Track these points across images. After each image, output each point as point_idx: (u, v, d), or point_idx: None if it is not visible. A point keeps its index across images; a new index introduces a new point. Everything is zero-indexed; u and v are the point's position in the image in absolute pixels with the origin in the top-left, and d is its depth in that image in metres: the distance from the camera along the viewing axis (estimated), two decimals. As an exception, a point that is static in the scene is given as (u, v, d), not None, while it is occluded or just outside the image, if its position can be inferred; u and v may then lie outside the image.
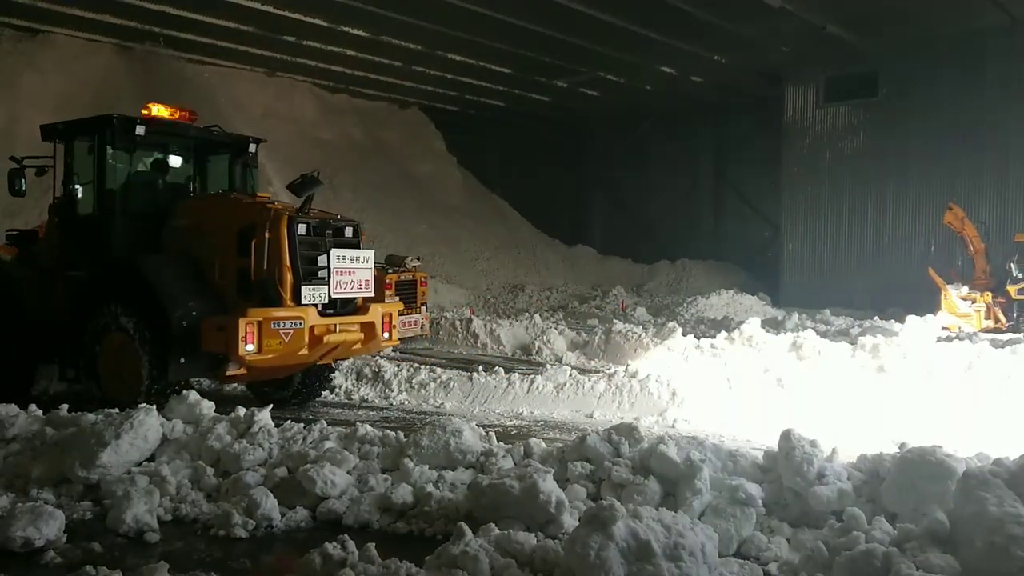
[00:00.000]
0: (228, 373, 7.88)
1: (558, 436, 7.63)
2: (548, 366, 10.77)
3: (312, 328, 7.87)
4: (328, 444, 5.93)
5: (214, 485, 5.54)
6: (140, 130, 8.69)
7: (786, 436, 5.09)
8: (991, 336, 14.10)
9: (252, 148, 9.54)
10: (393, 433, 6.21)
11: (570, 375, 9.75)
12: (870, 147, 23.06)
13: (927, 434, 6.69)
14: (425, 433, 5.91)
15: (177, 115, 9.23)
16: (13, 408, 6.73)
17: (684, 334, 12.63)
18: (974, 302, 16.84)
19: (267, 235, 7.77)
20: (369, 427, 6.29)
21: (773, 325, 16.55)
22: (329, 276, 8.06)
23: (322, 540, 4.31)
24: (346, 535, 4.39)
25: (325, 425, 6.37)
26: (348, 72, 25.01)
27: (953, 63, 21.31)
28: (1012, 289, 16.94)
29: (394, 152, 29.03)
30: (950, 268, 18.77)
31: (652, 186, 30.70)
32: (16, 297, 9.27)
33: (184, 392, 6.79)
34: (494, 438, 6.21)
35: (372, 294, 8.62)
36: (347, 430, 6.27)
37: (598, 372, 10.45)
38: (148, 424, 5.90)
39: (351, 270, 8.29)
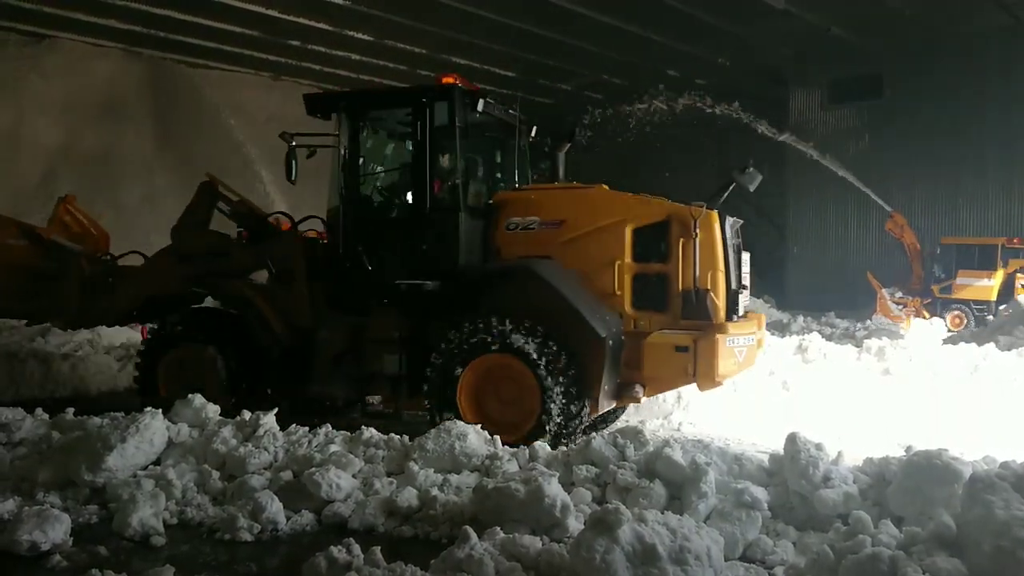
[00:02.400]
0: (629, 401, 6.99)
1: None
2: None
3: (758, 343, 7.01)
4: (333, 447, 5.93)
5: (219, 489, 5.55)
6: (481, 106, 7.37)
7: (791, 439, 5.08)
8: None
9: (533, 133, 8.41)
10: (398, 436, 6.21)
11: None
12: (875, 149, 23.04)
13: (933, 437, 6.69)
14: (430, 436, 5.91)
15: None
16: (19, 412, 6.75)
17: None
18: (905, 306, 18.97)
19: (696, 235, 6.71)
20: (374, 430, 6.28)
21: (778, 328, 16.54)
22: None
23: (327, 543, 4.32)
24: (351, 538, 4.39)
25: (330, 428, 6.36)
26: (353, 76, 25.06)
27: (957, 65, 21.29)
28: (935, 288, 19.34)
29: (398, 155, 29.05)
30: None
31: (654, 187, 30.65)
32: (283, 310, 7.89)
33: (189, 395, 6.80)
34: (499, 441, 6.20)
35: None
36: (352, 434, 6.26)
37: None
38: (154, 428, 5.91)
39: (747, 273, 7.44)
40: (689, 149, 29.62)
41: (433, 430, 6.00)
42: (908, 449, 5.14)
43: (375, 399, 7.96)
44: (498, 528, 4.50)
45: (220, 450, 5.90)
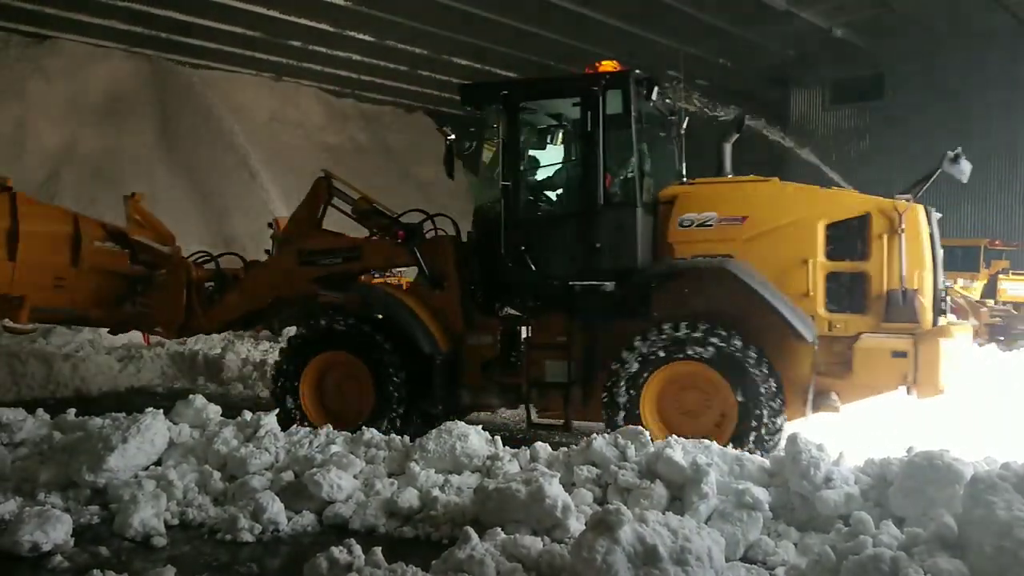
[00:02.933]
0: (827, 410, 6.52)
1: (564, 440, 7.62)
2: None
3: None
4: (334, 448, 5.93)
5: (220, 489, 5.55)
6: (656, 96, 6.97)
7: (792, 440, 5.07)
8: None
9: (685, 123, 7.95)
10: (399, 437, 6.21)
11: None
12: (876, 150, 23.03)
13: (934, 437, 6.66)
14: (431, 437, 5.91)
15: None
16: (21, 412, 6.76)
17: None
18: None
19: (901, 231, 6.27)
20: (375, 431, 6.28)
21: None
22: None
23: (328, 544, 4.31)
24: (352, 539, 4.39)
25: (331, 429, 6.36)
26: (354, 76, 25.08)
27: (959, 65, 21.28)
28: None
29: (399, 156, 29.09)
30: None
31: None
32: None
33: (190, 396, 6.81)
34: (500, 442, 6.20)
35: None
36: (353, 434, 6.26)
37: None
38: (155, 428, 5.91)
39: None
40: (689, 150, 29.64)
41: (434, 430, 6.00)
42: (909, 450, 5.13)
43: (535, 413, 7.22)
44: (499, 529, 4.50)
45: (221, 451, 5.90)
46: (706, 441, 5.64)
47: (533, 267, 6.97)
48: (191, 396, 6.81)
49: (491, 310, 7.49)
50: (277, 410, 6.68)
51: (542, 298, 7.05)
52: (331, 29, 20.31)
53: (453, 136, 7.38)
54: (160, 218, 9.36)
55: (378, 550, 4.27)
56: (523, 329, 7.29)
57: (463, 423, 6.08)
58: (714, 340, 6.24)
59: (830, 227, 6.54)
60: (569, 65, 23.34)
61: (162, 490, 5.29)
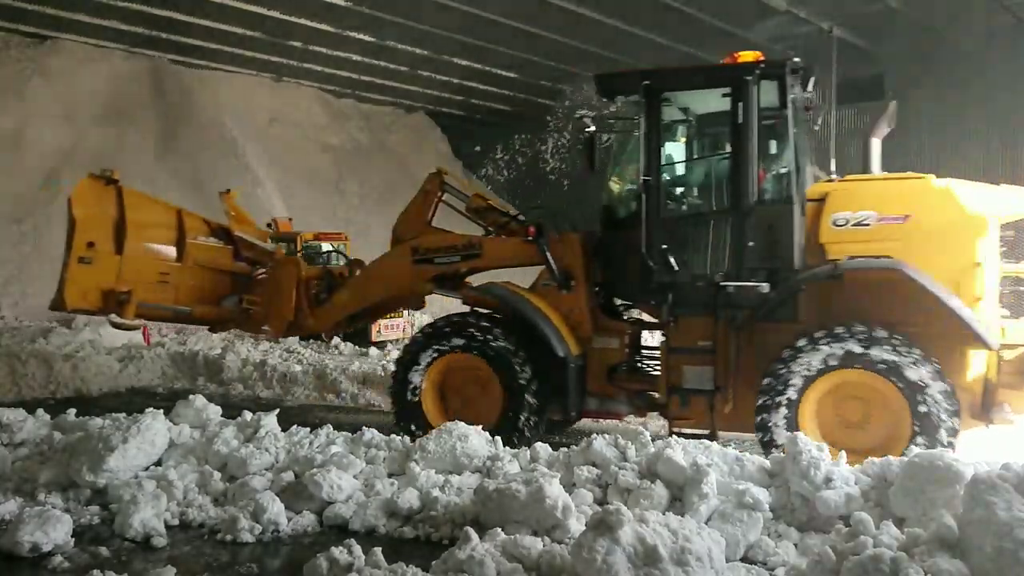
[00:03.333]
0: (999, 422, 6.14)
1: (564, 440, 7.62)
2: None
3: None
4: (334, 448, 5.93)
5: (221, 490, 5.55)
6: (812, 85, 6.73)
7: (793, 440, 5.07)
8: None
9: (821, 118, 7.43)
10: (399, 437, 6.22)
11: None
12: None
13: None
14: (431, 437, 5.91)
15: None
16: (21, 412, 6.76)
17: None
18: None
19: None
20: (375, 431, 6.29)
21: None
22: None
23: (328, 544, 4.32)
24: (352, 539, 4.40)
25: (331, 429, 6.37)
26: (354, 77, 25.06)
27: (959, 66, 21.26)
28: None
29: (400, 156, 29.08)
30: None
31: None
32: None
33: (191, 396, 6.81)
34: (500, 442, 6.20)
35: None
36: (353, 434, 6.27)
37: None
38: (155, 429, 5.91)
39: None
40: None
41: (434, 431, 6.00)
42: (909, 450, 5.13)
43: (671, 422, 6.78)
44: (499, 529, 4.50)
45: (221, 451, 5.91)
46: (706, 441, 5.64)
47: (676, 267, 6.57)
48: (191, 396, 6.81)
49: (614, 312, 7.25)
50: (277, 410, 6.65)
51: (684, 299, 6.59)
52: (331, 29, 20.29)
53: (593, 127, 6.96)
54: None
55: (378, 550, 4.27)
56: (644, 332, 7.12)
57: (462, 423, 6.08)
58: (886, 348, 5.82)
59: (1007, 227, 6.14)
60: (569, 65, 23.35)
61: (162, 490, 5.29)
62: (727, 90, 6.45)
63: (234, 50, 22.02)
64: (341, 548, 4.23)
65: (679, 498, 4.99)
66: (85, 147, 20.16)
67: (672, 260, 6.57)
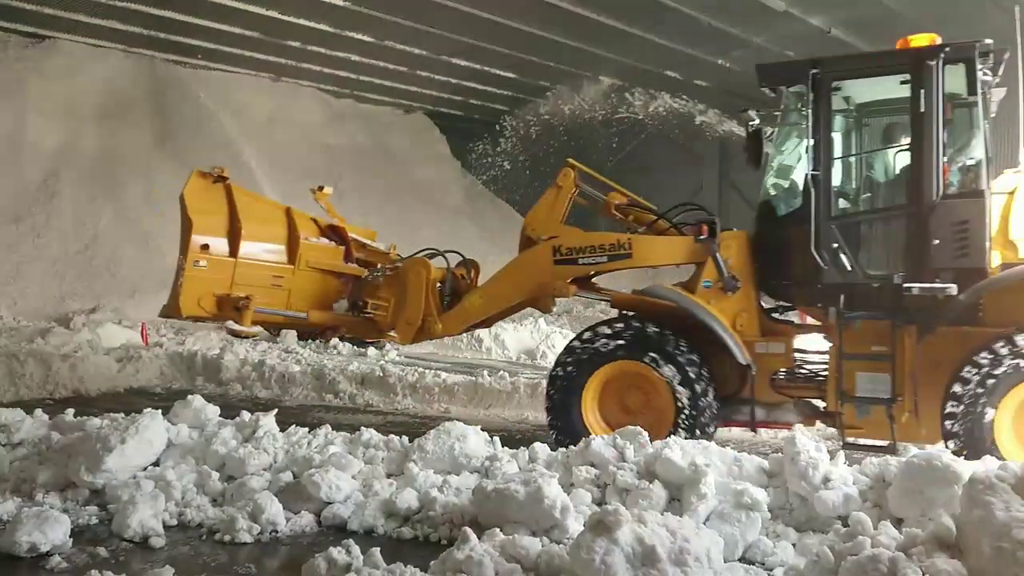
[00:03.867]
0: None
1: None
2: (553, 370, 10.74)
3: None
4: (333, 449, 5.93)
5: (219, 490, 5.55)
6: (1002, 70, 6.37)
7: (791, 441, 5.08)
8: None
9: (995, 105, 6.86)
10: (398, 438, 6.21)
11: (575, 379, 9.71)
12: (875, 150, 23.05)
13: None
14: (430, 438, 5.91)
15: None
16: (19, 413, 6.76)
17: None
18: None
19: None
20: (374, 432, 6.29)
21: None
22: None
23: (327, 545, 4.32)
24: (351, 540, 4.40)
25: (330, 430, 6.36)
26: (353, 77, 25.04)
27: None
28: None
29: (399, 156, 29.06)
30: None
31: (657, 189, 30.66)
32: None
33: (189, 397, 6.80)
34: (499, 443, 6.20)
35: None
36: (352, 435, 6.26)
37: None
38: (153, 429, 5.91)
39: None
40: (689, 150, 29.66)
41: (433, 431, 6.00)
42: (908, 450, 5.14)
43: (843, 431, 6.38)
44: (498, 529, 4.50)
45: (220, 451, 5.90)
46: (704, 442, 5.64)
47: (850, 267, 6.21)
48: (189, 396, 6.80)
49: (768, 314, 6.93)
50: (276, 410, 6.63)
51: (857, 302, 6.18)
52: (330, 29, 20.27)
53: (757, 121, 6.66)
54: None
55: (376, 551, 4.27)
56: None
57: (461, 423, 6.08)
58: None
59: None
60: (569, 66, 23.36)
61: (160, 491, 5.29)
62: (906, 77, 6.09)
63: (232, 50, 22.01)
64: (339, 548, 4.23)
65: (677, 498, 4.99)
66: (83, 147, 20.14)
67: (845, 260, 6.22)
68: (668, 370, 6.52)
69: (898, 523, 4.47)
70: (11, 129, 19.15)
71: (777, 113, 6.91)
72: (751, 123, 6.67)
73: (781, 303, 7.22)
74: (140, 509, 4.99)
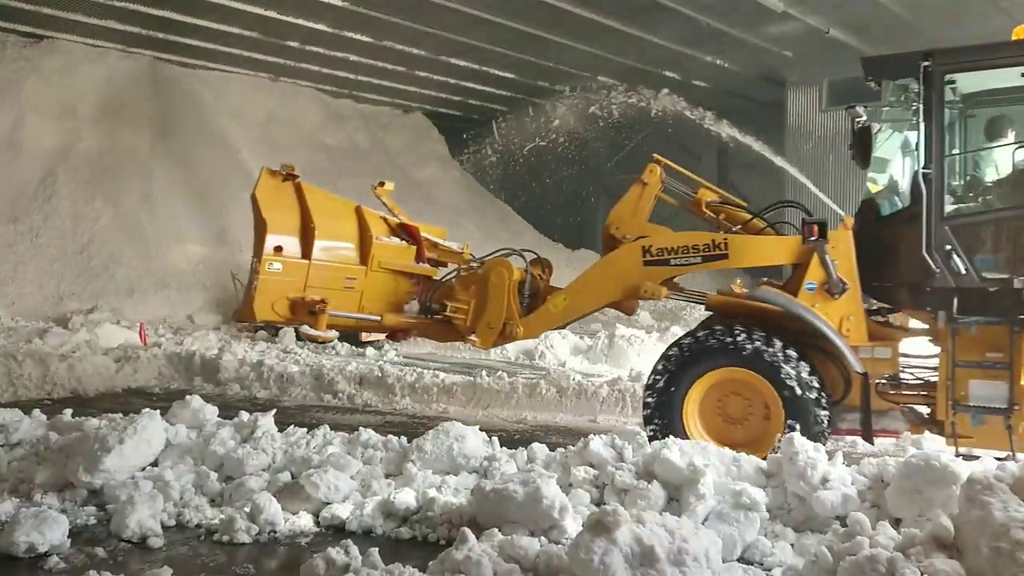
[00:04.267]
0: None
1: (561, 441, 7.62)
2: (551, 371, 10.76)
3: None
4: (331, 449, 5.93)
5: (217, 490, 5.55)
6: None
7: (790, 441, 5.08)
8: None
9: None
10: (396, 438, 6.21)
11: (573, 380, 9.74)
12: (874, 151, 23.09)
13: (933, 438, 6.64)
14: (428, 438, 5.91)
15: None
16: (17, 413, 6.75)
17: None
18: None
19: None
20: (372, 432, 6.29)
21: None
22: None
23: (325, 545, 4.33)
24: (349, 540, 4.40)
25: (328, 430, 6.36)
26: (351, 77, 25.04)
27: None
28: None
29: (397, 156, 29.07)
30: None
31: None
32: None
33: (187, 397, 6.80)
34: (497, 443, 6.20)
35: None
36: (350, 435, 6.26)
37: (601, 377, 10.43)
38: (152, 429, 5.91)
39: None
40: (688, 150, 29.66)
41: (431, 431, 6.00)
42: (906, 451, 5.14)
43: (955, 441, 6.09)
44: (496, 530, 4.50)
45: (218, 451, 5.90)
46: (702, 442, 5.64)
47: (964, 270, 5.91)
48: (188, 397, 6.81)
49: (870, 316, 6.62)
50: (274, 411, 6.62)
51: (971, 306, 5.91)
52: (329, 30, 20.26)
53: (865, 116, 6.33)
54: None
55: (375, 551, 4.27)
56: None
57: (459, 423, 6.08)
58: None
59: None
60: (568, 66, 23.39)
61: (159, 491, 5.28)
62: None
63: (231, 50, 22.00)
64: (338, 549, 4.23)
65: (676, 498, 4.99)
66: (81, 147, 20.12)
67: (959, 262, 5.92)
68: (780, 379, 6.17)
69: (896, 523, 4.47)
70: (9, 129, 19.13)
71: (882, 108, 6.67)
72: (859, 119, 6.33)
73: (883, 305, 6.95)
74: (138, 509, 4.99)
